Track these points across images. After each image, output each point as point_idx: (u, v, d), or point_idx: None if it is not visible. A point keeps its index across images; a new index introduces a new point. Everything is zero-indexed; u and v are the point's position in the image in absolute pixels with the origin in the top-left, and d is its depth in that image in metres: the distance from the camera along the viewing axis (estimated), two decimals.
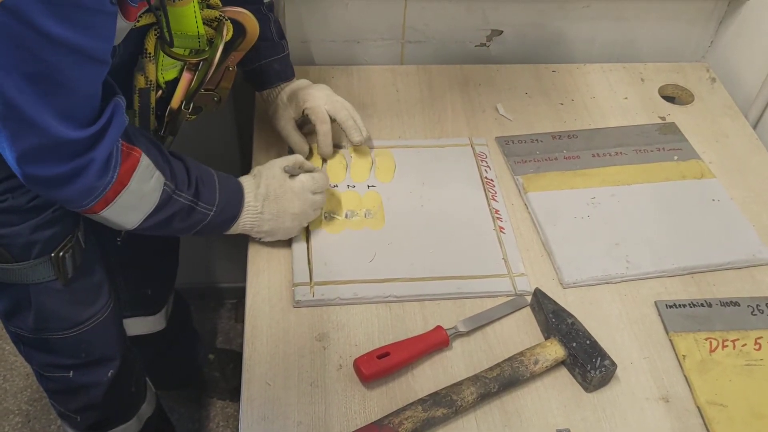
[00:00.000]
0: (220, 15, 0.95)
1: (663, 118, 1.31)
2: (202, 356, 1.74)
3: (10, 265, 0.96)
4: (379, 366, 0.90)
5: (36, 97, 0.71)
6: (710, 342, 0.96)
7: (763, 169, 1.23)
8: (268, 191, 1.01)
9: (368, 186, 1.15)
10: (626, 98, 1.35)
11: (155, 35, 0.90)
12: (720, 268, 1.06)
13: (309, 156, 1.17)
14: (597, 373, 0.90)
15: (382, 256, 1.05)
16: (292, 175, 1.03)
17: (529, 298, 1.01)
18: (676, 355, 0.96)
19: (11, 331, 1.08)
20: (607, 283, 1.04)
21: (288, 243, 1.06)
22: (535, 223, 1.12)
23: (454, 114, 1.30)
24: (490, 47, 1.42)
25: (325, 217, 1.09)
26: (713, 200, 1.15)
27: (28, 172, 0.79)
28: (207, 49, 0.96)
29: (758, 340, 0.97)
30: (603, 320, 0.99)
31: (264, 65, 1.15)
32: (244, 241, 1.07)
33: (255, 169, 1.05)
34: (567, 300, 1.01)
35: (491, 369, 0.91)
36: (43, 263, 0.98)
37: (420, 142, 1.24)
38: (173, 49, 0.91)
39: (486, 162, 1.20)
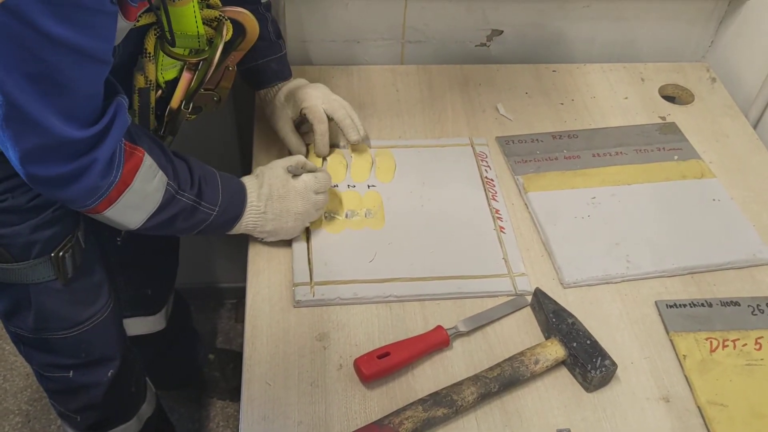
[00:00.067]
0: (220, 15, 0.95)
1: (663, 118, 1.31)
2: (202, 356, 1.74)
3: (10, 264, 0.96)
4: (379, 366, 0.90)
5: (38, 97, 0.71)
6: (711, 342, 0.96)
7: (764, 168, 1.23)
8: (271, 191, 1.01)
9: (368, 186, 1.15)
10: (626, 98, 1.35)
11: (155, 35, 0.90)
12: (720, 268, 1.06)
13: (306, 156, 1.17)
14: (597, 373, 0.90)
15: (383, 255, 1.05)
16: (295, 175, 1.03)
17: (529, 298, 1.01)
18: (677, 355, 0.96)
19: (11, 331, 1.08)
20: (607, 282, 1.04)
21: (288, 243, 1.06)
22: (535, 222, 1.12)
23: (455, 114, 1.30)
24: (490, 47, 1.42)
25: (326, 217, 1.09)
26: (713, 200, 1.15)
27: (31, 171, 0.79)
28: (207, 48, 0.96)
29: (759, 340, 0.97)
30: (603, 320, 0.99)
31: (261, 65, 1.15)
32: (244, 240, 1.06)
33: (257, 170, 1.05)
34: (567, 300, 1.01)
35: (492, 369, 0.91)
36: (43, 263, 0.98)
37: (420, 141, 1.24)
38: (173, 49, 0.91)
39: (486, 162, 1.20)
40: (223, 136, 1.53)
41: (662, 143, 1.25)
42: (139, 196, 0.88)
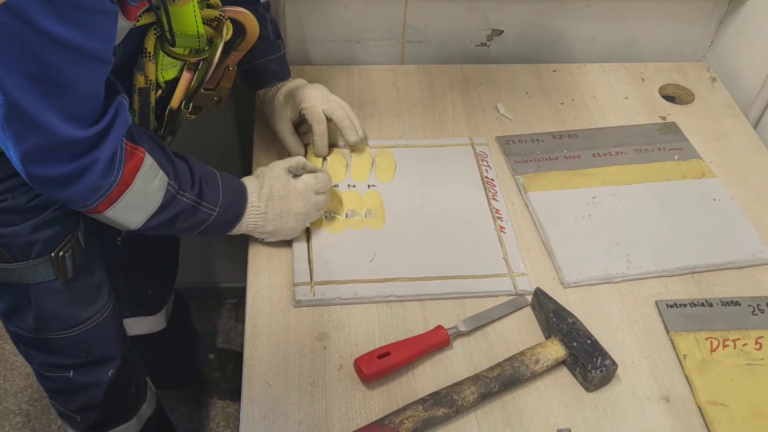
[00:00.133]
0: (220, 15, 0.95)
1: (663, 118, 1.31)
2: (202, 356, 1.74)
3: (10, 264, 0.96)
4: (379, 365, 0.90)
5: (39, 97, 0.71)
6: (711, 341, 0.96)
7: (764, 168, 1.23)
8: (271, 191, 1.01)
9: (369, 186, 1.15)
10: (627, 98, 1.35)
11: (155, 34, 0.90)
12: (721, 268, 1.06)
13: (305, 156, 1.17)
14: (598, 372, 0.90)
15: (383, 255, 1.05)
16: (296, 176, 1.04)
17: (529, 298, 1.01)
18: (677, 354, 0.96)
19: (11, 330, 1.08)
20: (607, 282, 1.04)
21: (288, 243, 1.06)
22: (535, 222, 1.12)
23: (455, 114, 1.30)
24: (490, 47, 1.42)
25: (326, 217, 1.09)
26: (714, 200, 1.15)
27: (32, 171, 0.79)
28: (207, 48, 0.96)
29: (759, 340, 0.97)
30: (603, 320, 0.99)
31: (260, 65, 1.15)
32: (244, 240, 1.06)
33: (258, 170, 1.05)
34: (567, 299, 1.01)
35: (492, 368, 0.91)
36: (43, 263, 0.98)
37: (420, 141, 1.24)
38: (173, 49, 0.91)
39: (486, 162, 1.20)
40: (223, 136, 1.53)
41: (662, 143, 1.25)
42: (140, 196, 0.88)
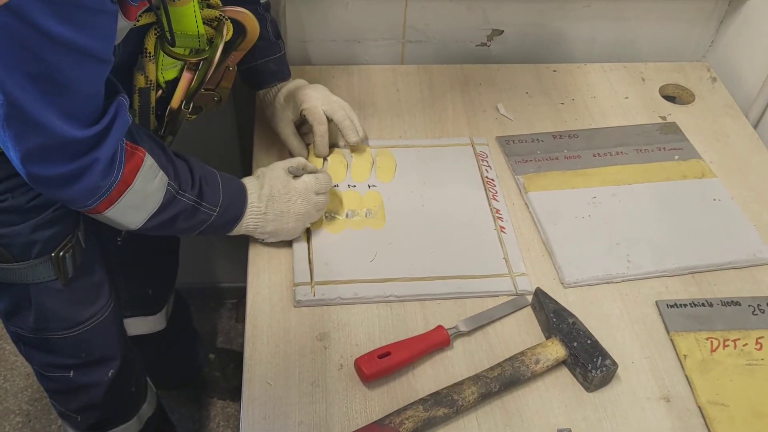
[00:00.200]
0: (220, 14, 0.95)
1: (664, 118, 1.31)
2: (202, 356, 1.74)
3: (10, 264, 0.96)
4: (380, 365, 0.90)
5: (39, 97, 0.71)
6: (711, 342, 0.96)
7: (764, 168, 1.23)
8: (272, 192, 1.01)
9: (369, 186, 1.15)
10: (627, 98, 1.35)
11: (155, 34, 0.90)
12: (721, 268, 1.06)
13: (306, 157, 1.17)
14: (598, 372, 0.90)
15: (383, 255, 1.05)
16: (296, 176, 1.04)
17: (530, 298, 1.01)
18: (677, 354, 0.96)
19: (11, 330, 1.08)
20: (608, 282, 1.04)
21: (289, 243, 1.06)
22: (535, 222, 1.12)
23: (455, 114, 1.30)
24: (490, 47, 1.42)
25: (326, 217, 1.09)
26: (714, 200, 1.15)
27: (32, 171, 0.79)
28: (207, 48, 0.96)
29: (759, 340, 0.97)
30: (604, 320, 0.99)
31: (260, 65, 1.15)
32: (244, 240, 1.06)
33: (258, 171, 1.05)
34: (568, 299, 1.01)
35: (492, 368, 0.91)
36: (44, 263, 0.98)
37: (421, 141, 1.24)
38: (173, 49, 0.91)
39: (487, 162, 1.20)
40: (223, 136, 1.53)
41: (663, 143, 1.25)
42: (140, 196, 0.88)
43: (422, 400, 0.87)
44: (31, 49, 0.68)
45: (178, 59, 0.94)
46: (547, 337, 0.96)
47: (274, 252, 1.05)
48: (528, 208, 1.14)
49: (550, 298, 0.98)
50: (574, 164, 1.20)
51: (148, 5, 0.84)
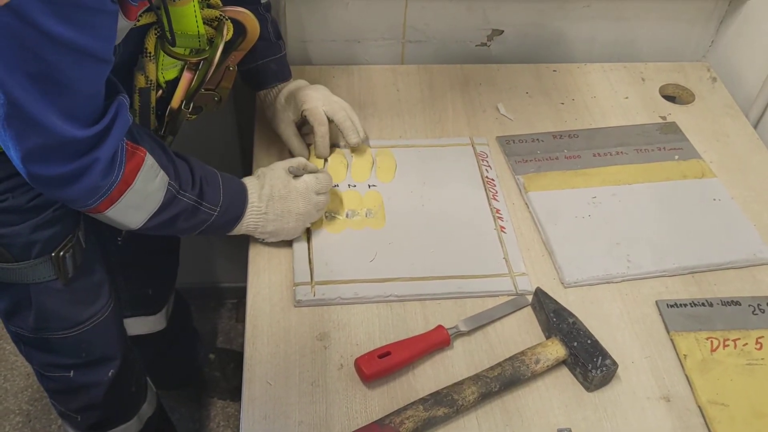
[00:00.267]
0: (221, 14, 0.95)
1: (664, 118, 1.31)
2: (202, 356, 1.74)
3: (11, 264, 0.96)
4: (380, 365, 0.90)
5: (39, 97, 0.71)
6: (711, 341, 0.96)
7: (764, 168, 1.23)
8: (272, 192, 1.01)
9: (369, 185, 1.15)
10: (627, 98, 1.35)
11: (155, 34, 0.90)
12: (721, 268, 1.06)
13: (307, 158, 1.17)
14: (598, 372, 0.90)
15: (383, 255, 1.05)
16: (296, 176, 1.04)
17: (530, 298, 1.01)
18: (677, 354, 0.96)
19: (12, 330, 1.08)
20: (608, 282, 1.04)
21: (289, 243, 1.06)
22: (535, 222, 1.12)
23: (455, 114, 1.30)
24: (490, 47, 1.42)
25: (326, 217, 1.09)
26: (714, 200, 1.15)
27: (32, 171, 0.79)
28: (207, 48, 0.96)
29: (759, 340, 0.97)
30: (604, 320, 0.99)
31: (261, 65, 1.15)
32: (245, 240, 1.06)
33: (258, 171, 1.05)
34: (568, 299, 1.01)
35: (492, 368, 0.91)
36: (44, 263, 0.98)
37: (421, 141, 1.24)
38: (173, 49, 0.91)
39: (487, 161, 1.20)
40: (223, 136, 1.53)
41: (663, 143, 1.25)
42: (141, 196, 0.88)
43: (422, 400, 0.87)
44: (32, 49, 0.68)
45: (178, 59, 0.94)
46: (547, 337, 0.96)
47: (274, 252, 1.06)
48: (528, 208, 1.14)
49: (550, 298, 0.98)
50: (574, 164, 1.20)
51: (149, 5, 0.84)
